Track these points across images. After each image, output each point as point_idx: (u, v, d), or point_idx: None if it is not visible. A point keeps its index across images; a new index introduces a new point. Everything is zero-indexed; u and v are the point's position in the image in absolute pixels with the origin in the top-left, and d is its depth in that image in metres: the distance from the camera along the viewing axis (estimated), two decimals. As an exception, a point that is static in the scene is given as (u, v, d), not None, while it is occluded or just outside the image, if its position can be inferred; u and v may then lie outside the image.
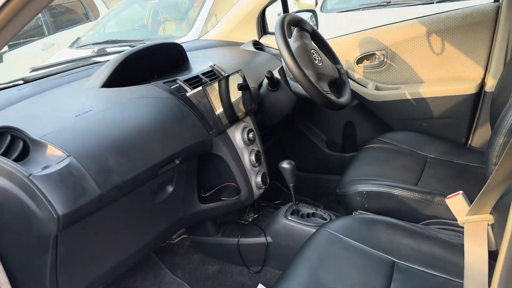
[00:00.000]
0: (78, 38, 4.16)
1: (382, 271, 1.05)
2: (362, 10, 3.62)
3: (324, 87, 1.64)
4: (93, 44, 3.67)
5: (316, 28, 2.27)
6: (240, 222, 1.69)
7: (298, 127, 2.21)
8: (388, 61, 1.95)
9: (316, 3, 4.66)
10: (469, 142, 1.90)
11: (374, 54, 1.98)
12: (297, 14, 2.25)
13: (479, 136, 1.86)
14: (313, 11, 2.37)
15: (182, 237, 1.77)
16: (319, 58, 1.67)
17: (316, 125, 2.21)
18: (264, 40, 2.15)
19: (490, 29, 1.73)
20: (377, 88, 1.99)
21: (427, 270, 1.04)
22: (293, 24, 1.72)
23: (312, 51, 1.67)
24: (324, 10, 3.90)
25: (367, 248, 1.12)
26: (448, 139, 1.81)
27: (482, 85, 1.80)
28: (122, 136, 1.10)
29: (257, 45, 2.08)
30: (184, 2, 4.61)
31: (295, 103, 1.74)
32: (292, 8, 4.12)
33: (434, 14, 1.84)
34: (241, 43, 2.10)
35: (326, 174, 2.19)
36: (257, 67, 1.82)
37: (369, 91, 1.97)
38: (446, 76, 1.87)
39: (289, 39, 1.62)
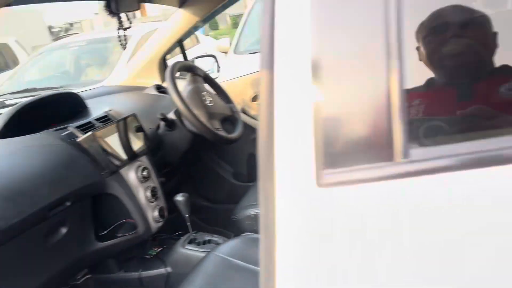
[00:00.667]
0: (-6, 87, 4.12)
1: None
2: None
3: (216, 125, 1.82)
4: (10, 93, 3.65)
5: (218, 70, 2.49)
6: (145, 257, 1.78)
7: (205, 161, 2.36)
8: None
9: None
10: None
11: None
12: (196, 59, 2.47)
13: None
14: (214, 56, 2.60)
15: (86, 277, 1.82)
16: (210, 99, 1.86)
17: (222, 158, 2.37)
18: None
19: None
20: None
21: None
22: (185, 70, 1.91)
23: (203, 93, 1.86)
24: (237, 52, 4.19)
25: (251, 266, 1.27)
26: None
27: None
28: (9, 184, 1.20)
29: (160, 88, 2.24)
30: (107, 47, 4.72)
31: (192, 140, 1.90)
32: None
33: None
34: (146, 87, 2.26)
35: (235, 203, 2.34)
36: (157, 109, 1.96)
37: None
38: None
39: (183, 83, 1.80)
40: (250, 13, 4.63)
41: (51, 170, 1.31)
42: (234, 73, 2.65)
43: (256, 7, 4.64)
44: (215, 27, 16.68)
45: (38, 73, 4.60)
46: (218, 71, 2.62)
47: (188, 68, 1.91)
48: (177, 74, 1.85)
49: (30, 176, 1.25)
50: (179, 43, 2.26)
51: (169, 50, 2.24)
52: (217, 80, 2.10)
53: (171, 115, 1.85)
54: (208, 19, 2.18)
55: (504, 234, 0.49)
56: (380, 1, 0.54)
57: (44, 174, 1.29)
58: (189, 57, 2.46)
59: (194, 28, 2.24)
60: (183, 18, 2.09)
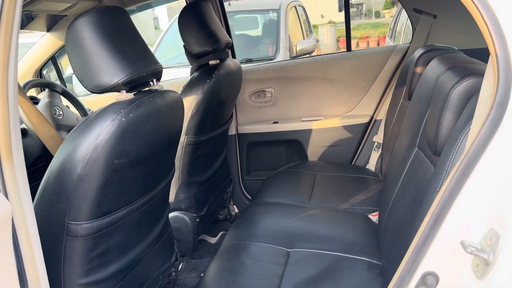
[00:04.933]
0: None
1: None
2: (178, 67, 4.31)
3: (63, 135, 2.13)
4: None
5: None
6: None
7: None
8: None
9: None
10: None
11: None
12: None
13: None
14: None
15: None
16: (60, 112, 2.17)
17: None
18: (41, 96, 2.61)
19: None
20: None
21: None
22: (41, 86, 2.21)
23: (55, 107, 2.17)
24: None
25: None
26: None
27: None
28: None
29: (34, 99, 2.52)
30: None
31: (44, 147, 2.20)
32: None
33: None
34: (19, 98, 2.53)
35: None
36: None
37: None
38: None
39: (39, 97, 2.10)
40: (166, 32, 4.99)
41: None
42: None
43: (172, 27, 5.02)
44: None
45: None
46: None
47: (45, 84, 2.21)
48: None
49: None
50: (53, 60, 2.56)
51: (43, 65, 2.53)
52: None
53: (23, 125, 2.15)
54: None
55: None
56: None
57: None
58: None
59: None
60: (51, 40, 2.41)
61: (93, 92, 1.17)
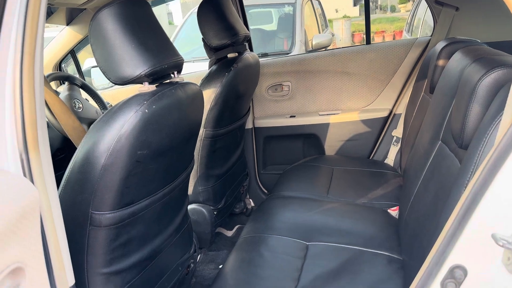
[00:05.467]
0: None
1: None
2: (193, 62, 4.32)
3: (85, 127, 2.16)
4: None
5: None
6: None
7: None
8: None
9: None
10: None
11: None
12: (93, 68, 2.80)
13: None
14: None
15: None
16: (80, 105, 2.20)
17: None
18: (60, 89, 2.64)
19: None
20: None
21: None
22: (61, 79, 2.24)
23: (74, 100, 2.19)
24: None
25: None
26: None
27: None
28: None
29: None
30: None
31: (65, 140, 2.22)
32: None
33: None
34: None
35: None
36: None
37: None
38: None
39: (59, 90, 2.12)
40: (181, 27, 4.99)
41: None
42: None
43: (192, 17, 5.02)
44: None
45: None
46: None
47: (65, 77, 2.24)
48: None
49: None
50: (72, 54, 2.58)
51: (63, 59, 2.56)
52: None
53: (44, 117, 2.18)
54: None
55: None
56: None
57: None
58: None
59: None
60: (70, 34, 2.43)
61: (116, 84, 1.17)
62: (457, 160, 1.14)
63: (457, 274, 0.77)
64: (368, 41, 2.43)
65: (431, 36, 2.30)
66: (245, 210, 2.56)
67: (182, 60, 1.33)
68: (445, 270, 0.78)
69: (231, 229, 2.44)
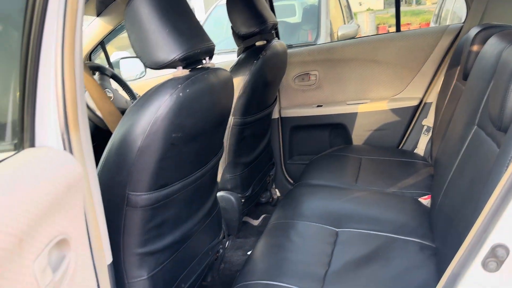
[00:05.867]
0: None
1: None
2: (218, 54, 4.34)
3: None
4: None
5: (144, 71, 2.91)
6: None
7: None
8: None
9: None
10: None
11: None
12: (123, 59, 2.86)
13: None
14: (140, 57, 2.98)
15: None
16: (111, 95, 2.24)
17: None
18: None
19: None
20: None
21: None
22: (93, 69, 2.29)
23: (105, 89, 2.24)
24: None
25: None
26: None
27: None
28: None
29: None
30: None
31: (95, 127, 2.28)
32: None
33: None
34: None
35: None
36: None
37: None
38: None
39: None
40: (205, 22, 5.02)
41: None
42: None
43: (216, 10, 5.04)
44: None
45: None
46: (145, 71, 3.00)
47: (96, 68, 2.29)
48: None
49: None
50: (102, 44, 2.64)
51: (93, 50, 2.62)
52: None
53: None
54: (121, 29, 2.57)
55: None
56: None
57: None
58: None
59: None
60: (100, 25, 2.48)
61: (151, 68, 1.19)
62: (495, 144, 1.11)
63: (499, 253, 0.75)
64: (398, 28, 2.39)
65: (463, 23, 2.24)
66: (271, 200, 2.57)
67: (214, 46, 1.34)
68: (486, 249, 0.77)
69: (257, 219, 2.45)
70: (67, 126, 0.88)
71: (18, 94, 0.84)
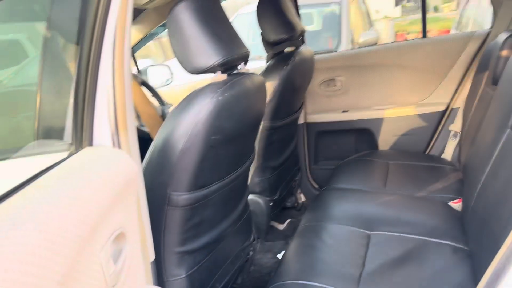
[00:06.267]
0: None
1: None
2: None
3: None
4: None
5: (171, 79, 2.98)
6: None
7: None
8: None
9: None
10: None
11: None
12: (151, 67, 2.93)
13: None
14: (167, 65, 3.06)
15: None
16: (142, 101, 2.31)
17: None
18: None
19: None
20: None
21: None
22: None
23: (136, 95, 2.31)
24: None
25: None
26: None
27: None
28: None
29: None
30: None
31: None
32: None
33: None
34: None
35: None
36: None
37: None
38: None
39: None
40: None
41: None
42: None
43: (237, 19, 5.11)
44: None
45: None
46: (172, 79, 3.08)
47: (127, 75, 2.36)
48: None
49: None
50: (131, 52, 2.72)
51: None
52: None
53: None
54: (150, 37, 2.65)
55: None
56: None
57: None
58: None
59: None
60: (131, 34, 2.56)
61: (192, 73, 1.24)
62: None
63: (544, 251, 0.76)
64: (424, 34, 2.40)
65: (491, 28, 2.24)
66: (296, 204, 2.59)
67: (249, 52, 1.38)
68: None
69: (282, 223, 2.47)
70: (117, 127, 0.94)
71: (72, 99, 0.90)
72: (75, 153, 0.80)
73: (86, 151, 0.81)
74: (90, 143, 0.86)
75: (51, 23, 1.12)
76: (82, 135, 0.85)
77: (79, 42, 0.91)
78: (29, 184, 0.61)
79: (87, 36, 0.88)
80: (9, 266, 0.43)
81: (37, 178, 0.63)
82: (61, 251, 0.53)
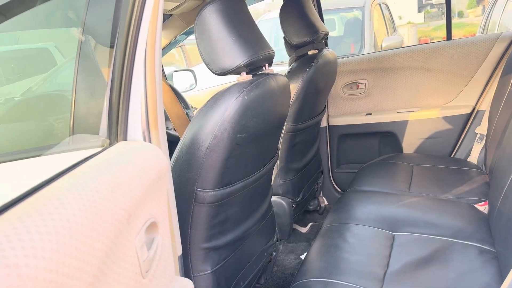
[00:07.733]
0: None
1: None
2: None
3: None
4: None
5: (195, 84, 3.05)
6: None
7: None
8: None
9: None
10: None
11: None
12: (175, 72, 3.01)
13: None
14: (191, 71, 3.13)
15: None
16: (167, 104, 2.37)
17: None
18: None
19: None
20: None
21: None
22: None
23: (162, 99, 2.37)
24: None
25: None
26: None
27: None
28: None
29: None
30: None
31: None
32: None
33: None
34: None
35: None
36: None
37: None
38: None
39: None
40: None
41: None
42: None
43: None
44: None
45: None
46: (196, 84, 3.15)
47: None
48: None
49: None
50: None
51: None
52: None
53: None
54: (174, 43, 2.71)
55: None
56: None
57: None
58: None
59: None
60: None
61: (217, 75, 1.28)
62: None
63: None
64: (449, 36, 2.39)
65: (518, 30, 2.21)
66: (318, 208, 2.59)
67: (274, 52, 1.42)
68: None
69: (304, 226, 2.48)
70: (148, 125, 0.98)
71: (107, 97, 0.95)
72: (111, 146, 0.84)
73: (121, 144, 0.85)
74: (125, 138, 0.91)
75: (86, 28, 1.17)
76: (117, 129, 0.89)
77: (112, 45, 0.96)
78: (71, 171, 0.65)
79: (121, 40, 0.93)
80: (60, 239, 0.47)
81: (78, 166, 0.67)
82: (102, 232, 0.56)
